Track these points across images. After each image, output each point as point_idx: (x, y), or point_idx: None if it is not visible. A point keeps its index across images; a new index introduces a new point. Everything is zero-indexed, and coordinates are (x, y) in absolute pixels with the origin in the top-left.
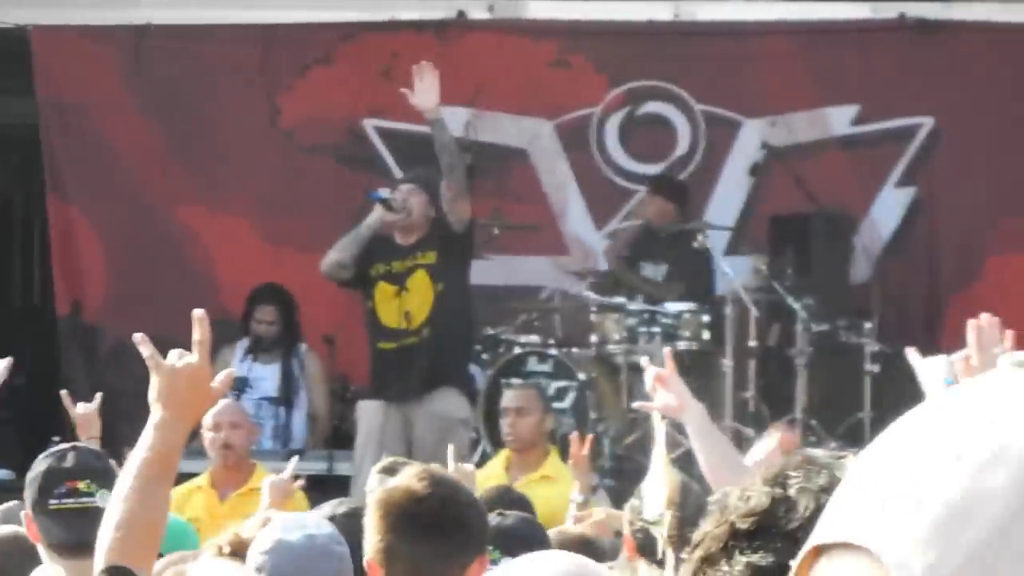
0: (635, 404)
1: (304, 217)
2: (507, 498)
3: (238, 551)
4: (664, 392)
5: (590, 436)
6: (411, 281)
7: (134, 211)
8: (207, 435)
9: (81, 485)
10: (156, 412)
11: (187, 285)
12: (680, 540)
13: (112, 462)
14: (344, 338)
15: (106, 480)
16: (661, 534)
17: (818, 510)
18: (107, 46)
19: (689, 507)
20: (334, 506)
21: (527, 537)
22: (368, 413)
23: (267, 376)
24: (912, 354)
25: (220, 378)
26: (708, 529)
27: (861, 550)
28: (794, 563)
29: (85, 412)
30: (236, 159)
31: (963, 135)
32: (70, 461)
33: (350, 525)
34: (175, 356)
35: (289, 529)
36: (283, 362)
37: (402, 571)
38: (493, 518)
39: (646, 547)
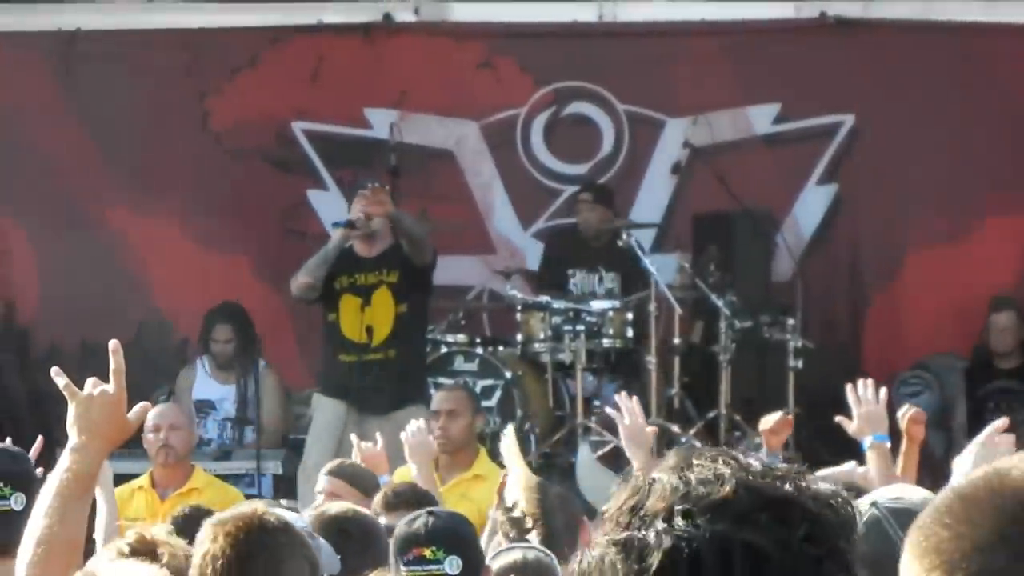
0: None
1: (233, 219)
2: (414, 495)
3: (141, 551)
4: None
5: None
6: (375, 297)
7: (65, 214)
8: (148, 437)
9: None
10: (72, 437)
11: (119, 287)
12: (541, 518)
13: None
14: (272, 339)
15: (22, 483)
16: (522, 511)
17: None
18: (37, 52)
19: (549, 498)
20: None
21: (459, 532)
22: (327, 408)
23: (227, 396)
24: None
25: (136, 410)
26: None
27: None
28: None
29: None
30: (166, 162)
31: (882, 132)
32: None
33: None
34: (90, 385)
35: None
36: (240, 382)
37: None
38: (425, 517)
39: (518, 530)
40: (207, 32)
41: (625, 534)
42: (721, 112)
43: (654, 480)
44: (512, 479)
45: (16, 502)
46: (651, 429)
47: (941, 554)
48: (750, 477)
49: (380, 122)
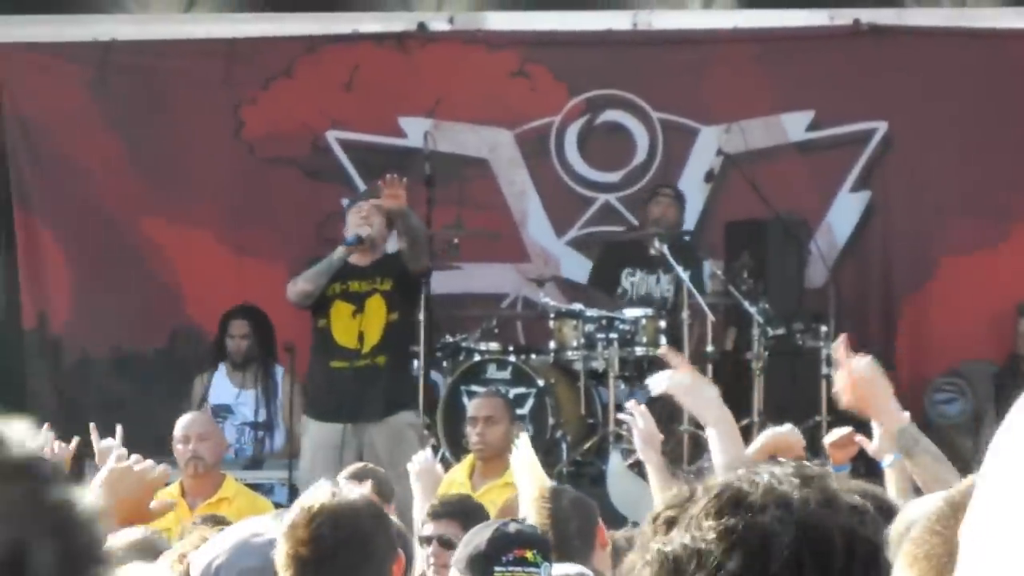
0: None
1: (268, 228)
2: (466, 507)
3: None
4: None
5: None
6: (369, 304)
7: (99, 224)
8: (177, 447)
9: None
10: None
11: (152, 297)
12: (552, 527)
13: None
14: (305, 347)
15: None
16: (532, 524)
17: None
18: (72, 62)
19: (561, 506)
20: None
21: (548, 544)
22: (320, 432)
23: (247, 402)
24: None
25: (158, 504)
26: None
27: None
28: None
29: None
30: (200, 172)
31: (916, 139)
32: None
33: None
34: (132, 460)
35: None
36: (261, 387)
37: None
38: (516, 524)
39: None
40: (242, 42)
41: (735, 520)
42: (755, 119)
43: (755, 474)
44: (522, 495)
45: None
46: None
47: (931, 559)
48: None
49: (414, 131)
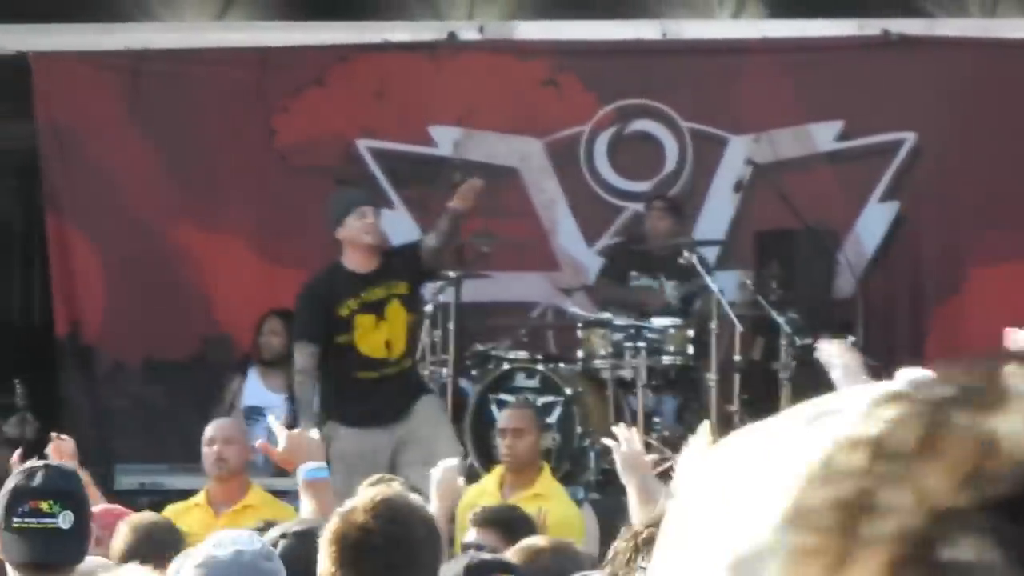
0: None
1: (298, 236)
2: (510, 517)
3: None
4: None
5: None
6: (389, 310)
7: (132, 232)
8: (204, 449)
9: (44, 505)
10: None
11: (184, 305)
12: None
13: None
14: None
15: (73, 502)
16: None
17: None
18: (105, 71)
19: None
20: (287, 525)
21: (515, 565)
22: (353, 438)
23: (277, 403)
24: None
25: None
26: (618, 544)
27: None
28: None
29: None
30: (232, 180)
31: (945, 150)
32: (38, 480)
33: (300, 544)
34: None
35: (221, 544)
36: (291, 388)
37: None
38: (488, 553)
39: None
40: (273, 51)
41: None
42: (784, 129)
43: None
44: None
45: (64, 520)
46: (649, 457)
47: None
48: None
49: (444, 140)
